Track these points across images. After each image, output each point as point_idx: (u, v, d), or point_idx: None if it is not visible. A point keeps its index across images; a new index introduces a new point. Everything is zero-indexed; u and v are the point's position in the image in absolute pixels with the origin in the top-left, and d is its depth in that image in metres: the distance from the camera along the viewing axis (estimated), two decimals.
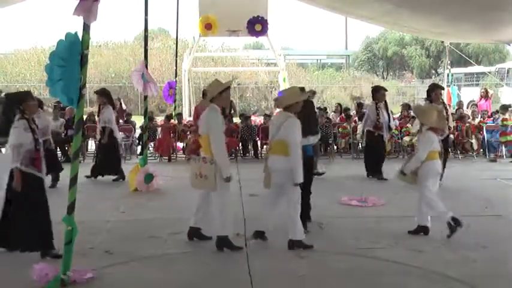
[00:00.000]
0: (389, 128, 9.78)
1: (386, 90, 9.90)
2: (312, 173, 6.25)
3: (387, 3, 10.93)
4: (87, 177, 9.38)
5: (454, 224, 5.71)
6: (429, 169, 5.91)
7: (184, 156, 12.70)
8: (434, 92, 8.39)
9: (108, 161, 9.47)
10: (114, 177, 9.46)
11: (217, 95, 5.38)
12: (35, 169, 5.06)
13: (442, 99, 8.71)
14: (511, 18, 10.66)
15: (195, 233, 5.67)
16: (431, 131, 5.95)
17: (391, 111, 10.23)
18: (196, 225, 5.66)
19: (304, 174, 5.31)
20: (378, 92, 9.69)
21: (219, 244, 5.33)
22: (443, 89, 9.75)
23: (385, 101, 9.78)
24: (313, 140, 6.03)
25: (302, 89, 6.11)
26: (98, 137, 9.57)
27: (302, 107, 5.56)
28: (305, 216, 5.84)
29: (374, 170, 9.57)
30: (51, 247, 5.07)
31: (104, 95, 9.53)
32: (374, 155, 9.67)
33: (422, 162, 5.87)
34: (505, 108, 12.98)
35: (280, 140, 5.33)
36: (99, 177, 9.51)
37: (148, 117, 9.76)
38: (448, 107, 8.80)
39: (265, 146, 12.73)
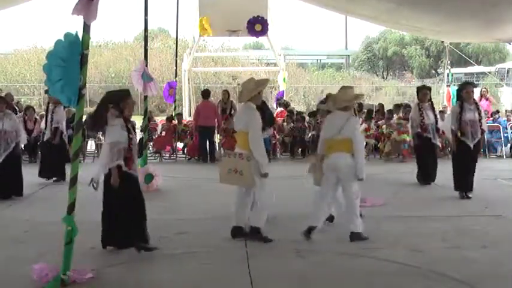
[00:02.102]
0: (437, 130, 8.88)
1: (429, 90, 9.20)
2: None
3: (388, 1, 10.92)
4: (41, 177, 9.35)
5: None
6: None
7: (184, 156, 12.73)
8: (465, 90, 7.78)
9: (55, 162, 9.43)
10: (55, 178, 9.44)
11: (257, 94, 5.60)
12: (126, 167, 5.10)
13: (475, 99, 8.09)
14: (511, 16, 10.66)
15: (238, 232, 5.71)
16: None
17: (441, 112, 10.00)
18: (239, 224, 5.73)
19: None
20: (419, 92, 9.07)
21: (252, 234, 5.51)
22: (475, 86, 8.79)
23: (431, 101, 9.06)
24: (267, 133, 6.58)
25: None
26: (48, 136, 9.41)
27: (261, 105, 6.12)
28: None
29: (424, 177, 8.89)
30: (146, 241, 5.18)
31: None
32: (423, 159, 8.95)
33: None
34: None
35: (344, 138, 5.57)
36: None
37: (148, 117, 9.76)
38: (480, 108, 8.00)
39: None
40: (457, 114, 7.72)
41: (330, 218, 6.27)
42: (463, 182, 7.79)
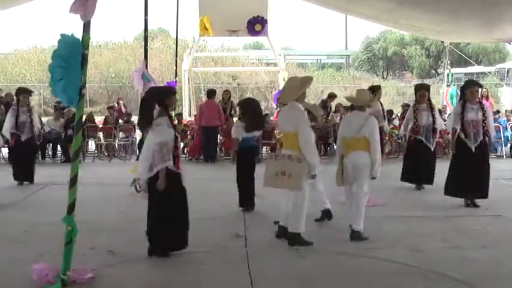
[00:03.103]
0: (434, 131, 8.61)
1: (427, 89, 8.87)
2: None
3: (389, 1, 10.92)
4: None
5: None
6: None
7: (185, 156, 12.72)
8: (469, 89, 7.30)
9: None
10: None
11: (302, 94, 5.55)
12: (174, 166, 4.97)
13: (479, 99, 7.76)
14: (511, 16, 10.67)
15: (284, 233, 5.63)
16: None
17: (439, 111, 9.69)
18: (286, 224, 5.64)
19: (251, 162, 6.73)
20: (417, 92, 8.85)
21: (292, 240, 5.40)
22: (481, 86, 8.21)
23: (429, 102, 8.75)
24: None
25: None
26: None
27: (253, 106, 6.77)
28: (251, 201, 6.93)
29: (411, 178, 8.74)
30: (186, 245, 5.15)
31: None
32: (410, 161, 8.77)
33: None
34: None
35: (362, 137, 5.69)
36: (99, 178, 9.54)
37: None
38: (486, 109, 7.51)
39: (265, 147, 12.75)
40: (459, 114, 7.31)
41: (328, 215, 6.27)
42: (455, 186, 7.34)
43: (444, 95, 17.39)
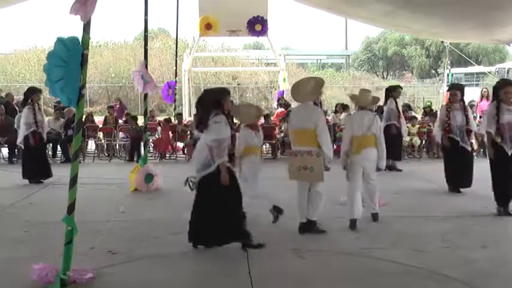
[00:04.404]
0: (467, 132, 8.20)
1: (459, 89, 8.39)
2: None
3: (387, 4, 10.92)
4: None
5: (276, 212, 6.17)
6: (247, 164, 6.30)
7: (185, 156, 12.72)
8: (504, 89, 6.72)
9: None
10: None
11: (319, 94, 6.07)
12: (231, 164, 5.17)
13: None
14: (510, 18, 10.65)
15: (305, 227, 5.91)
16: (247, 127, 6.36)
17: (473, 113, 9.57)
18: (304, 220, 5.91)
19: None
20: (449, 91, 8.52)
21: (306, 226, 5.81)
22: None
23: (462, 102, 8.32)
24: None
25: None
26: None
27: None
28: None
29: (451, 182, 8.34)
30: (249, 237, 5.25)
31: None
32: (449, 162, 8.37)
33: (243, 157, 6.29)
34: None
35: (372, 135, 6.24)
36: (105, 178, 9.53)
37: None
38: None
39: (265, 146, 12.75)
40: (494, 116, 6.71)
41: (278, 210, 6.22)
42: (503, 195, 6.72)
43: (444, 95, 17.39)
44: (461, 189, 8.28)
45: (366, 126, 6.22)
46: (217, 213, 5.14)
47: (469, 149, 8.34)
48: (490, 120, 6.79)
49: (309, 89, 5.85)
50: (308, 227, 5.88)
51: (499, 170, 6.71)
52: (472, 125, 8.28)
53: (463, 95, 8.35)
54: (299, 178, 5.88)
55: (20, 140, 9.33)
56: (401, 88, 11.17)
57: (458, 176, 8.23)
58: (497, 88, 6.83)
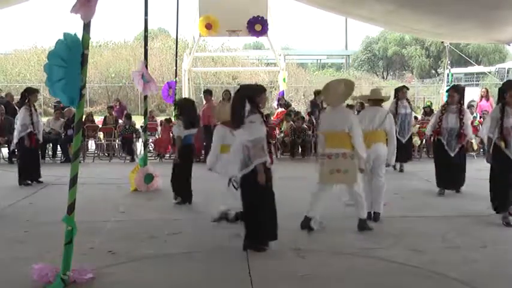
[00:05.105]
0: (459, 136, 7.99)
1: (455, 91, 8.21)
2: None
3: (387, 3, 10.91)
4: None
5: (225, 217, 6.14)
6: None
7: None
8: (510, 91, 6.35)
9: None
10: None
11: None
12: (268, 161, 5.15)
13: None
14: (510, 18, 10.65)
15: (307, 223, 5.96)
16: (223, 125, 6.23)
17: (473, 113, 9.56)
18: (310, 215, 5.99)
19: (189, 158, 7.62)
20: (449, 91, 8.38)
21: (362, 226, 5.95)
22: None
23: (459, 104, 8.11)
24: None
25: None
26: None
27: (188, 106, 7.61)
28: (187, 192, 7.49)
29: (438, 181, 8.29)
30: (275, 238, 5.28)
31: None
32: (436, 162, 8.38)
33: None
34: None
35: (382, 130, 6.42)
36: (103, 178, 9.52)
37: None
38: None
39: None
40: (498, 120, 6.37)
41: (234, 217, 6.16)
42: (503, 202, 6.42)
43: (445, 95, 17.39)
44: (460, 190, 8.28)
45: (378, 121, 6.39)
46: (271, 206, 5.19)
47: (452, 154, 8.05)
48: (493, 124, 6.47)
49: (340, 91, 5.85)
50: (363, 225, 5.98)
51: (500, 177, 6.38)
52: (466, 129, 7.99)
53: (461, 97, 8.22)
54: (331, 181, 5.88)
55: (15, 141, 9.22)
56: (408, 89, 11.06)
57: (443, 177, 8.20)
58: (502, 90, 6.47)
